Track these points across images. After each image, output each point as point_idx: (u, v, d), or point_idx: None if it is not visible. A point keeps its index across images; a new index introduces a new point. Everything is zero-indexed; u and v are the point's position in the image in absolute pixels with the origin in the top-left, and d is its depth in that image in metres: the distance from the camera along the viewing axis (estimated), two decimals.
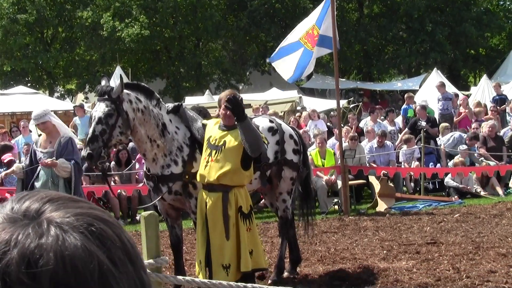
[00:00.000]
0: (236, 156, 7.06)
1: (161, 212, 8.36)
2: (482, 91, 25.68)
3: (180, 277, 4.97)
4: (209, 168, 7.06)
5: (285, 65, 14.02)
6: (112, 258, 1.00)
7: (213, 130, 7.28)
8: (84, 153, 7.35)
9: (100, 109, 7.29)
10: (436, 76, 26.76)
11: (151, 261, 4.66)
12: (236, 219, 7.13)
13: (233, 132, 7.10)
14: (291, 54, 13.88)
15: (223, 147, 7.06)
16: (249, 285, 4.53)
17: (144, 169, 8.11)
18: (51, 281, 0.93)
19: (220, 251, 7.06)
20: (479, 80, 31.28)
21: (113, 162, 15.37)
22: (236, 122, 7.03)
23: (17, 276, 0.93)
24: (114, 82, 32.19)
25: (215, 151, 7.08)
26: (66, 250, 0.96)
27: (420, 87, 30.09)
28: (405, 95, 21.63)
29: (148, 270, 4.63)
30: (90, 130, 7.31)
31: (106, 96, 7.34)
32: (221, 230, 7.05)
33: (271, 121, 8.72)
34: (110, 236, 1.02)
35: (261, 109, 19.33)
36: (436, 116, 19.38)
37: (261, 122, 8.63)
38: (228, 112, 7.07)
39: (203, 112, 8.37)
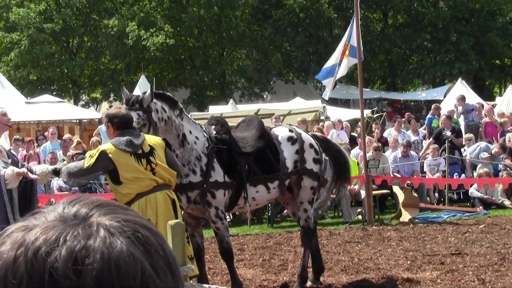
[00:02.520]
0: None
1: None
2: (508, 101, 25.46)
3: (206, 286, 4.97)
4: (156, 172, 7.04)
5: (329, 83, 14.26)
6: (155, 266, 1.03)
7: None
8: None
9: (133, 118, 7.22)
10: (460, 86, 26.57)
11: None
12: None
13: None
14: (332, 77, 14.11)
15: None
16: None
17: None
18: (95, 280, 0.97)
19: None
20: (505, 90, 31.04)
21: None
22: None
23: (63, 271, 0.97)
24: (140, 90, 32.32)
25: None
26: (112, 252, 1.00)
27: (444, 97, 29.91)
28: (432, 106, 21.50)
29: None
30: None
31: (137, 105, 7.31)
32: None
33: (290, 131, 8.71)
34: (154, 245, 1.05)
35: (273, 119, 19.36)
36: (462, 128, 19.21)
37: (281, 132, 8.63)
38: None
39: (221, 122, 8.34)
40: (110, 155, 6.56)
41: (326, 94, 14.63)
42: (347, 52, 13.86)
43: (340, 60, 13.97)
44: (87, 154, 6.86)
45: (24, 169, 7.37)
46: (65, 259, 0.98)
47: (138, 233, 1.04)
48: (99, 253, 0.99)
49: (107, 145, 6.72)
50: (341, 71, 14.12)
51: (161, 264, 1.05)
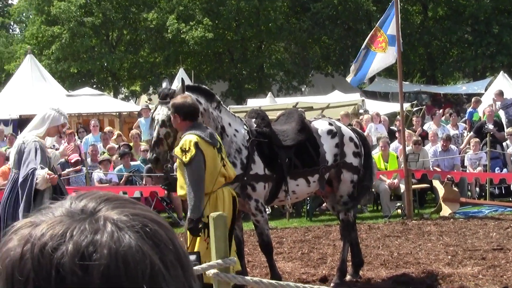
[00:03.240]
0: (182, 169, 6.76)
1: None
2: None
3: (248, 278, 4.97)
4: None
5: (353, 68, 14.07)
6: (164, 261, 1.02)
7: None
8: (150, 156, 7.34)
9: (163, 112, 7.26)
10: (502, 80, 26.20)
11: (219, 261, 4.66)
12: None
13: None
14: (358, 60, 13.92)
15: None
16: (315, 287, 4.51)
17: None
18: (102, 275, 0.96)
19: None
20: None
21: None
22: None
23: (70, 267, 0.96)
24: (178, 83, 32.51)
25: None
26: (120, 248, 0.98)
27: (485, 90, 29.54)
28: (473, 99, 21.24)
29: (216, 270, 4.65)
30: (155, 134, 7.27)
31: (168, 99, 7.29)
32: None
33: (330, 124, 8.68)
34: (164, 239, 1.04)
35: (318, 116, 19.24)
36: (504, 123, 18.92)
37: (320, 125, 8.60)
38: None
39: (261, 115, 8.30)
40: (200, 146, 6.54)
41: (350, 78, 14.36)
42: (383, 44, 13.71)
43: (368, 45, 13.82)
44: (176, 151, 6.63)
45: (55, 176, 7.55)
46: (71, 254, 0.97)
47: (147, 227, 1.03)
48: (107, 248, 0.98)
49: (194, 137, 6.61)
50: (378, 65, 13.96)
51: (171, 259, 1.04)
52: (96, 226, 1.00)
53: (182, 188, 6.69)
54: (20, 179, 7.34)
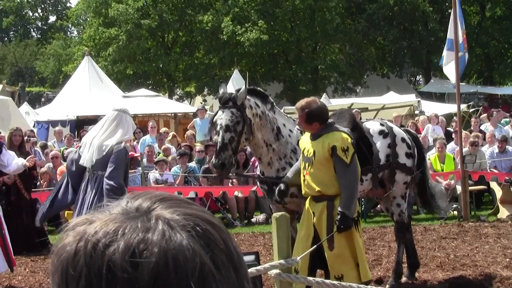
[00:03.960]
0: (328, 164, 6.85)
1: None
2: None
3: (310, 278, 4.98)
4: (307, 182, 6.96)
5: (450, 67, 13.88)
6: (215, 261, 1.03)
7: (306, 141, 7.13)
8: (215, 162, 7.27)
9: (226, 116, 7.26)
10: None
11: (282, 261, 4.68)
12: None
13: (319, 141, 6.92)
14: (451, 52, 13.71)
15: (314, 158, 6.91)
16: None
17: (258, 172, 8.10)
18: (152, 273, 0.98)
19: (333, 261, 6.97)
20: None
21: None
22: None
23: (121, 264, 0.98)
24: (233, 85, 32.63)
25: (308, 163, 6.95)
26: (171, 246, 1.00)
27: None
28: None
29: (279, 270, 4.67)
30: (219, 139, 7.23)
31: (231, 103, 7.32)
32: (308, 235, 6.96)
33: (381, 125, 8.62)
34: (216, 239, 1.05)
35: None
36: None
37: (372, 125, 8.56)
38: (297, 122, 7.02)
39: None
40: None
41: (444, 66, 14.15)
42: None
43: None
44: (338, 149, 6.71)
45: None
46: (123, 251, 0.99)
47: (199, 226, 1.04)
48: (157, 247, 1.00)
49: (346, 135, 6.86)
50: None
51: (223, 260, 1.05)
52: (148, 225, 1.03)
53: (322, 184, 6.83)
54: (109, 186, 7.47)
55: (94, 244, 1.01)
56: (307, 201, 7.08)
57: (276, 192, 7.42)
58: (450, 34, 13.49)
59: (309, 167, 6.93)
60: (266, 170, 7.76)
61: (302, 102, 7.06)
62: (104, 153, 7.59)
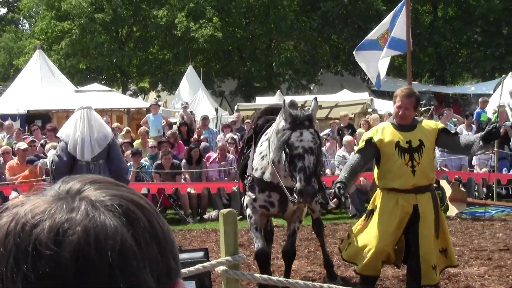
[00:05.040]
0: (432, 155, 7.17)
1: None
2: None
3: (257, 275, 4.98)
4: (418, 172, 6.93)
5: (369, 65, 14.09)
6: (137, 238, 1.07)
7: (390, 133, 7.07)
8: (310, 189, 6.64)
9: (309, 138, 6.79)
10: (511, 81, 26.12)
11: (228, 258, 4.66)
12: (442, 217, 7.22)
13: (419, 129, 7.06)
14: (371, 51, 13.95)
15: (423, 147, 6.95)
16: (325, 285, 4.53)
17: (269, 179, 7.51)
18: (74, 250, 1.02)
19: (430, 252, 6.99)
20: None
21: (184, 160, 15.54)
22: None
23: (45, 242, 1.03)
24: (187, 80, 32.28)
25: (416, 153, 6.93)
26: (93, 225, 1.05)
27: (494, 91, 29.46)
28: (480, 99, 21.22)
29: (225, 267, 4.65)
30: (307, 164, 6.69)
31: (307, 123, 6.88)
32: (432, 231, 7.01)
33: None
34: (140, 218, 1.10)
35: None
36: None
37: None
38: (401, 112, 7.01)
39: None
40: None
41: (379, 80, 14.41)
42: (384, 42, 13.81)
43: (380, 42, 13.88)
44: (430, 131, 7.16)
45: None
46: (48, 230, 1.04)
47: (123, 206, 1.09)
48: (81, 226, 1.04)
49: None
50: (383, 68, 14.02)
51: (146, 237, 1.08)
52: (73, 205, 1.07)
53: (432, 171, 7.19)
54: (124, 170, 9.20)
55: (23, 224, 1.05)
56: (395, 195, 7.03)
57: (335, 191, 6.96)
58: (398, 33, 13.64)
59: (419, 157, 6.95)
60: (285, 181, 7.21)
61: (404, 89, 7.22)
62: (106, 143, 8.78)
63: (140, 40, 41.22)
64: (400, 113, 7.00)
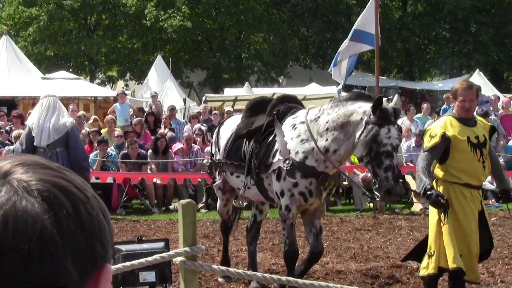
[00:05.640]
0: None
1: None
2: None
3: (215, 266, 4.97)
4: (487, 167, 6.89)
5: (340, 70, 14.24)
6: (59, 225, 1.04)
7: (459, 128, 6.88)
8: (399, 189, 6.61)
9: (395, 135, 6.61)
10: (478, 78, 26.41)
11: (187, 249, 4.64)
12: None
13: (479, 126, 6.98)
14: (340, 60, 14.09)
15: (486, 143, 6.89)
16: (283, 277, 4.52)
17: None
18: None
19: (475, 243, 6.86)
20: None
21: (150, 150, 15.47)
22: None
23: None
24: (156, 70, 32.12)
25: (484, 149, 6.86)
26: (12, 212, 1.02)
27: None
28: (444, 96, 21.41)
29: (183, 258, 4.63)
30: (395, 162, 6.62)
31: (393, 119, 6.68)
32: (476, 224, 6.87)
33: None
34: (64, 204, 1.06)
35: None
36: None
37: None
38: (467, 105, 6.82)
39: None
40: None
41: (341, 83, 14.60)
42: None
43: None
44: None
45: None
46: None
47: (47, 192, 1.06)
48: (2, 210, 1.02)
49: None
50: (348, 54, 14.12)
51: (68, 224, 1.05)
52: None
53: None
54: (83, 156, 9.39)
55: None
56: (465, 191, 6.86)
57: (440, 202, 6.58)
58: (367, 27, 13.72)
59: (485, 153, 6.89)
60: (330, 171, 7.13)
61: (463, 82, 7.09)
62: (64, 132, 8.93)
63: (109, 28, 40.90)
64: (466, 105, 6.80)
